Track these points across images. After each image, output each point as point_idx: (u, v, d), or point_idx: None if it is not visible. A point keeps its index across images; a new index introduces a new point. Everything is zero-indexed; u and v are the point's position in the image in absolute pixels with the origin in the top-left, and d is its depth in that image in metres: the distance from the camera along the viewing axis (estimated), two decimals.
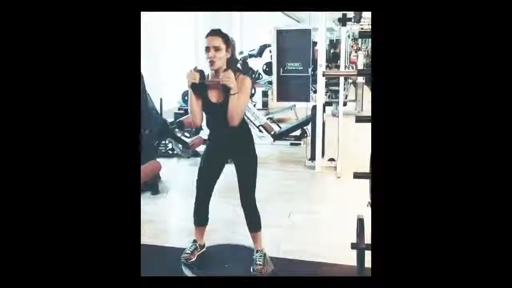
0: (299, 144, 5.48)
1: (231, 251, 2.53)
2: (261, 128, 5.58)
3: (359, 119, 1.97)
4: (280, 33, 5.26)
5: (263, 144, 5.44)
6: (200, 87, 2.10)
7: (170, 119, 4.87)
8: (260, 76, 6.53)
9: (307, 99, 5.36)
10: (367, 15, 6.57)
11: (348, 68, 8.54)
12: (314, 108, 4.60)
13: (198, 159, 2.41)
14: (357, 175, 2.09)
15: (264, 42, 6.36)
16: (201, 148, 4.47)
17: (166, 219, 3.40)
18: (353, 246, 2.23)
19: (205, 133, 4.09)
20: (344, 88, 6.80)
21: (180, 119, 4.73)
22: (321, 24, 4.52)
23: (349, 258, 2.37)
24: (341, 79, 4.89)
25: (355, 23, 6.51)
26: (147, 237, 2.74)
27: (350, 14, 4.85)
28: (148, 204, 3.47)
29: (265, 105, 7.91)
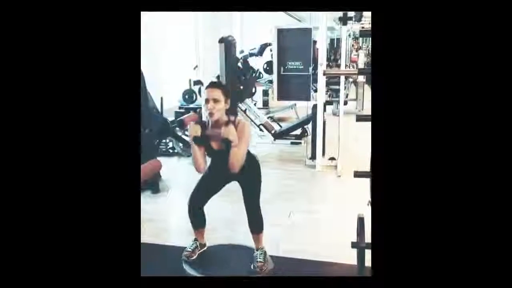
0: (300, 143, 5.48)
1: (232, 251, 2.53)
2: (261, 127, 5.58)
3: (360, 118, 1.97)
4: (281, 32, 5.26)
5: (263, 143, 5.45)
6: (202, 138, 2.17)
7: (170, 118, 4.87)
8: (261, 75, 6.53)
9: (307, 98, 5.36)
10: (368, 14, 6.56)
11: (349, 67, 8.53)
12: (314, 107, 4.60)
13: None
14: (357, 174, 2.09)
15: (265, 41, 6.35)
16: None
17: (166, 218, 3.40)
18: (354, 245, 2.23)
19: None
20: (345, 87, 6.79)
21: (181, 117, 4.72)
22: (322, 23, 4.51)
23: (349, 257, 2.37)
24: (342, 78, 4.89)
25: (356, 22, 6.50)
26: (147, 236, 2.74)
27: (351, 13, 4.84)
28: (148, 203, 3.48)
29: (265, 104, 7.90)
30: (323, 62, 4.36)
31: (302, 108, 5.74)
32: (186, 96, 5.83)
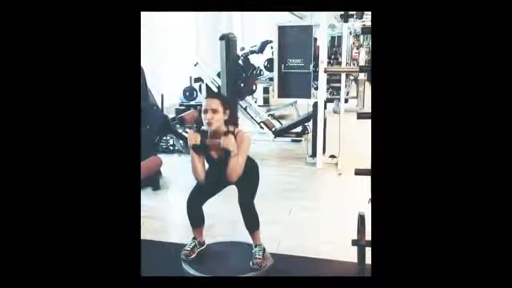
0: (300, 140, 5.47)
1: (232, 248, 2.53)
2: (262, 124, 5.58)
3: (361, 116, 1.96)
4: (281, 29, 5.25)
5: (264, 141, 5.44)
6: (201, 147, 2.19)
7: (171, 115, 4.87)
8: (261, 72, 6.52)
9: (308, 96, 5.35)
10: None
11: (350, 65, 8.52)
12: (315, 104, 4.59)
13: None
14: (358, 172, 2.08)
15: (266, 38, 6.34)
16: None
17: (167, 215, 3.40)
18: (354, 242, 2.23)
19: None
20: (346, 85, 6.78)
21: (181, 115, 4.72)
22: (323, 21, 4.50)
23: (349, 255, 2.36)
24: (343, 76, 4.88)
25: (357, 20, 6.49)
26: (147, 233, 2.74)
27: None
28: (149, 200, 3.47)
29: (266, 101, 7.90)
30: (324, 59, 4.35)
31: (303, 106, 5.74)
32: (187, 93, 5.83)
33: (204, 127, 2.19)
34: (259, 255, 2.31)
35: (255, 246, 2.36)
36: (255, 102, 6.41)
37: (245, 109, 5.65)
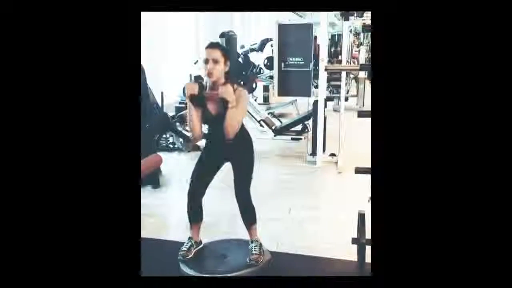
0: (300, 139, 5.47)
1: (228, 246, 2.53)
2: (262, 123, 5.57)
3: (361, 114, 1.96)
4: (281, 27, 5.24)
5: (264, 139, 5.44)
6: (199, 99, 2.15)
7: (171, 113, 4.86)
8: (261, 70, 6.51)
9: (308, 94, 5.35)
10: None
11: (350, 63, 8.52)
12: (315, 103, 4.59)
13: (199, 153, 2.41)
14: (359, 170, 2.08)
15: (266, 36, 6.33)
16: (202, 143, 4.46)
17: (167, 213, 3.40)
18: (354, 241, 2.23)
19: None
20: (346, 83, 6.78)
21: (181, 113, 4.72)
22: (323, 19, 4.49)
23: (349, 253, 2.37)
24: (343, 74, 4.87)
25: (358, 18, 6.48)
26: (147, 231, 2.74)
27: None
28: (148, 198, 3.47)
29: (266, 99, 7.89)
30: (324, 57, 4.34)
31: (303, 104, 5.73)
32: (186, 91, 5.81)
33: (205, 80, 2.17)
34: (255, 250, 2.31)
35: (251, 242, 2.36)
36: (255, 100, 6.40)
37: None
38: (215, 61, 2.10)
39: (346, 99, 6.66)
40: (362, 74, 7.80)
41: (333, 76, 6.51)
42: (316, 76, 4.95)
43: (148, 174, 3.60)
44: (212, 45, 2.17)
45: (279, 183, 3.97)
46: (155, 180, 3.80)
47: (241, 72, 5.51)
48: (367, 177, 2.09)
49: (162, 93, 4.41)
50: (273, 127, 5.52)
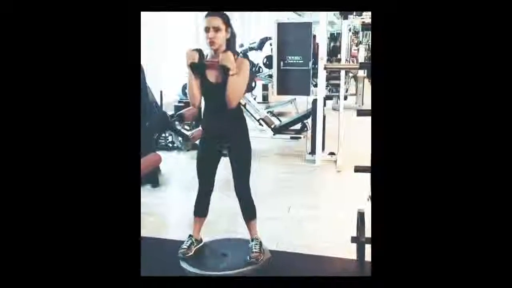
0: (299, 138, 5.47)
1: (228, 244, 2.53)
2: (261, 121, 5.57)
3: (361, 113, 1.96)
4: (281, 26, 5.23)
5: (263, 138, 5.44)
6: (199, 67, 2.11)
7: (170, 111, 4.85)
8: (260, 69, 6.50)
9: (307, 93, 5.34)
10: None
11: (349, 62, 8.51)
12: (314, 102, 4.59)
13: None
14: (358, 169, 2.09)
15: (265, 35, 6.32)
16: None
17: (166, 212, 3.40)
18: (353, 239, 2.23)
19: None
20: (345, 82, 6.77)
21: (180, 111, 4.71)
22: (322, 17, 4.49)
23: (349, 252, 2.37)
24: (342, 73, 4.87)
25: (357, 16, 6.47)
26: (146, 230, 2.74)
27: None
28: (148, 197, 3.47)
29: (265, 98, 7.88)
30: (323, 56, 4.34)
31: (302, 103, 5.73)
32: (186, 90, 5.80)
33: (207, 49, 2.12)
34: (255, 249, 2.31)
35: (252, 240, 2.36)
36: (254, 99, 6.40)
37: (244, 106, 5.63)
38: (216, 29, 2.05)
39: (345, 98, 6.67)
40: (361, 73, 7.80)
41: (332, 75, 6.51)
42: (315, 75, 4.95)
43: (147, 173, 3.60)
44: (212, 13, 2.08)
45: (278, 182, 3.97)
46: (154, 179, 3.80)
47: None
48: (367, 176, 2.10)
49: (161, 92, 4.40)
50: (272, 126, 5.51)
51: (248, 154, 2.26)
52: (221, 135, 2.23)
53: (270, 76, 6.07)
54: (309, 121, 5.01)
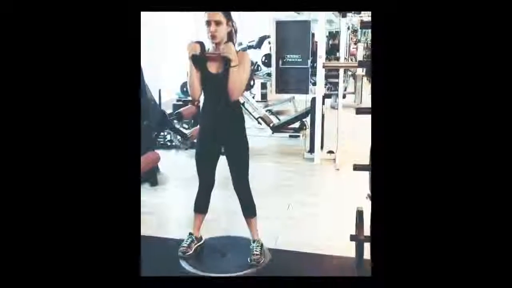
0: (298, 136, 5.47)
1: (229, 244, 2.53)
2: (260, 120, 5.57)
3: (360, 111, 1.96)
4: (279, 25, 5.23)
5: (261, 136, 5.44)
6: (200, 59, 2.11)
7: (168, 110, 4.85)
8: (259, 68, 6.50)
9: (306, 91, 5.34)
10: None
11: (348, 60, 8.51)
12: (313, 100, 4.59)
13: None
14: (357, 167, 2.09)
15: (263, 34, 6.32)
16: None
17: (164, 211, 3.40)
18: (352, 238, 2.24)
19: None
20: (344, 80, 6.77)
21: (179, 110, 4.71)
22: (320, 16, 4.49)
23: (348, 250, 2.37)
24: (341, 71, 4.87)
25: (355, 15, 6.47)
26: (144, 229, 2.73)
27: None
28: (146, 196, 3.47)
29: (264, 97, 7.87)
30: (322, 54, 4.34)
31: (301, 101, 5.73)
32: (184, 89, 5.80)
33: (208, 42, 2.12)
34: (256, 251, 2.30)
35: (253, 242, 2.35)
36: (253, 97, 6.40)
37: (243, 104, 5.62)
38: (217, 23, 2.04)
39: (344, 96, 6.68)
40: (360, 71, 7.80)
41: (331, 73, 6.50)
42: (314, 73, 4.95)
43: (146, 172, 3.60)
44: None
45: (277, 181, 3.98)
46: (153, 177, 3.79)
47: None
48: (365, 174, 2.11)
49: (159, 90, 4.40)
50: (271, 125, 5.51)
51: (245, 150, 2.26)
52: (219, 130, 2.22)
53: (269, 74, 6.07)
54: (307, 120, 5.02)
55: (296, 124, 5.57)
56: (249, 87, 6.06)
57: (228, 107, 2.15)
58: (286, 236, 2.75)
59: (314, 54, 4.89)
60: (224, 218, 2.98)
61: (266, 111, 5.95)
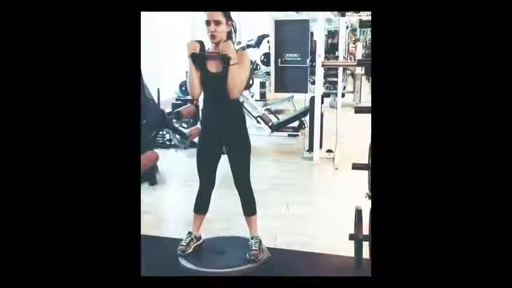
0: (297, 135, 5.48)
1: (228, 242, 2.53)
2: (259, 119, 5.57)
3: (359, 110, 1.96)
4: (278, 24, 5.23)
5: (261, 135, 5.44)
6: (200, 58, 2.11)
7: (167, 109, 4.84)
8: (258, 67, 6.50)
9: (305, 90, 5.34)
10: None
11: (347, 59, 8.51)
12: (312, 99, 4.59)
13: (196, 150, 2.41)
14: (356, 166, 2.09)
15: (262, 33, 6.31)
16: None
17: (163, 210, 3.40)
18: (351, 237, 2.24)
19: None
20: (343, 79, 6.77)
21: (178, 109, 4.70)
22: (319, 15, 4.49)
23: (347, 249, 2.38)
24: (340, 70, 4.87)
25: (354, 14, 6.47)
26: (143, 228, 2.73)
27: None
28: (145, 195, 3.47)
29: (263, 96, 7.87)
30: (321, 53, 4.34)
31: (300, 100, 5.73)
32: (183, 88, 5.80)
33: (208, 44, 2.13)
34: (255, 247, 2.31)
35: (251, 238, 2.36)
36: (252, 96, 6.39)
37: (242, 103, 5.63)
38: (217, 22, 2.05)
39: (343, 95, 6.68)
40: (359, 70, 7.80)
41: (330, 72, 6.51)
42: (313, 72, 4.95)
43: (144, 171, 3.60)
44: None
45: (276, 179, 3.98)
46: (152, 177, 3.79)
47: None
48: (364, 173, 2.11)
49: (158, 89, 4.39)
50: (270, 124, 5.51)
51: (247, 148, 2.27)
52: (221, 129, 2.22)
53: (268, 73, 6.06)
54: (306, 119, 5.02)
55: (295, 123, 5.57)
56: (248, 86, 6.05)
57: (228, 105, 2.15)
58: (285, 235, 2.76)
59: (313, 53, 4.89)
60: (224, 217, 2.99)
61: (265, 110, 5.95)
